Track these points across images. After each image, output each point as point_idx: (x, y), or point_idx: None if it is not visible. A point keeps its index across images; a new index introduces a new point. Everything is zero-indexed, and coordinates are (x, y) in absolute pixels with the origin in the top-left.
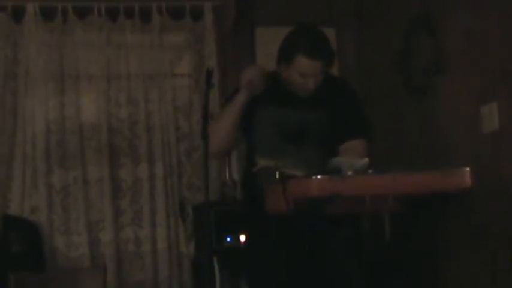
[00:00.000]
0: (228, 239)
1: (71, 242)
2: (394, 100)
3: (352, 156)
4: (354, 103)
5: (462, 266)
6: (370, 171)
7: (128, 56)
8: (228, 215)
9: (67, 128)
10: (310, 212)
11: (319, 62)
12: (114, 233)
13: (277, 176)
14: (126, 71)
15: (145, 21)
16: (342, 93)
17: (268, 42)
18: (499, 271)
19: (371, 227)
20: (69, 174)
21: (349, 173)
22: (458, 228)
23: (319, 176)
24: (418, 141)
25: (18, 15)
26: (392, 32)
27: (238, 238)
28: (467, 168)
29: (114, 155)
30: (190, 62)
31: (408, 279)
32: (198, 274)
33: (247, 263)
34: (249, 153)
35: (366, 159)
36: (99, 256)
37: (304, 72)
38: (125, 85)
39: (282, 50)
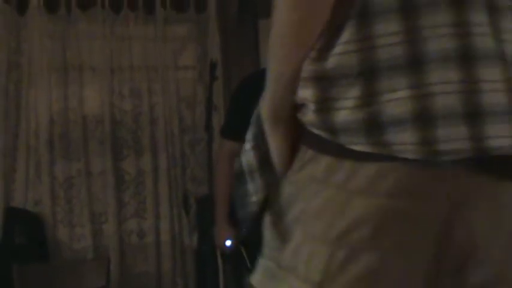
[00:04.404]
0: None
1: (74, 234)
2: None
3: None
4: None
5: None
6: None
7: (131, 48)
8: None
9: (70, 120)
10: None
11: None
12: (118, 225)
13: None
14: (129, 63)
15: (148, 13)
16: None
17: None
18: None
19: None
20: (72, 166)
21: None
22: None
23: None
24: None
25: (22, 6)
26: None
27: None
28: None
29: (118, 146)
30: (193, 54)
31: None
32: (201, 266)
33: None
34: None
35: None
36: (102, 248)
37: None
38: (129, 77)
39: None
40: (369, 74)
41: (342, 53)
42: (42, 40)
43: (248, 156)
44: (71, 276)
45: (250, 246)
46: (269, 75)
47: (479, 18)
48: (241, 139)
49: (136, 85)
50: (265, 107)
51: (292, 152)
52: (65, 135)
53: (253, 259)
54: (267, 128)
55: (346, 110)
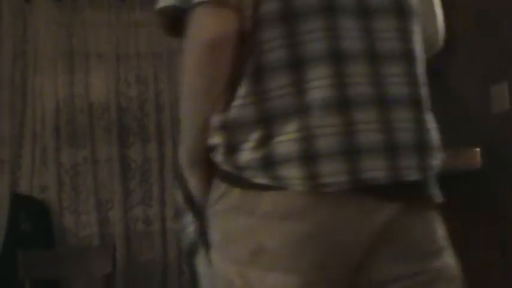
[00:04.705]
0: None
1: (80, 221)
2: None
3: None
4: None
5: (471, 245)
6: None
7: (137, 35)
8: None
9: (76, 107)
10: None
11: None
12: (123, 212)
13: None
14: (135, 50)
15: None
16: None
17: None
18: (509, 249)
19: None
20: (78, 153)
21: None
22: (468, 209)
23: None
24: None
25: None
26: None
27: None
28: (477, 149)
29: (124, 134)
30: None
31: None
32: None
33: None
34: None
35: None
36: (108, 235)
37: None
38: (135, 64)
39: None
40: (263, 121)
41: (241, 105)
42: (48, 27)
43: (178, 196)
44: (77, 263)
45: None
46: (183, 126)
47: (358, 69)
48: None
49: (143, 72)
50: (182, 154)
51: (209, 187)
52: (71, 122)
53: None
54: (186, 172)
55: (248, 151)
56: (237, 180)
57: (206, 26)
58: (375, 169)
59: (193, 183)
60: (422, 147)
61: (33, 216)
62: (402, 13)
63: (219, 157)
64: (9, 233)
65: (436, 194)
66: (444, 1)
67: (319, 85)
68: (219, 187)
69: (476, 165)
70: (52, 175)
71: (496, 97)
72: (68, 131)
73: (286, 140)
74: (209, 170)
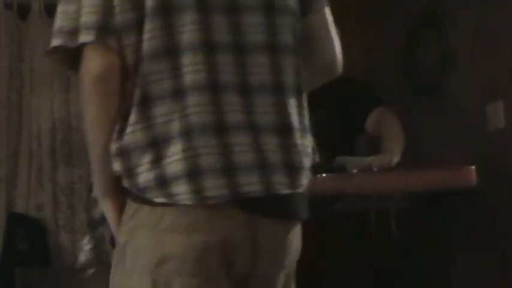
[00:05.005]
0: None
1: (76, 240)
2: (399, 98)
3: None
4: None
5: (470, 264)
6: (375, 169)
7: None
8: None
9: (72, 126)
10: (315, 210)
11: None
12: None
13: None
14: None
15: None
16: (347, 92)
17: None
18: (509, 268)
19: (377, 224)
20: (74, 172)
21: (355, 171)
22: (466, 226)
23: (324, 174)
24: (424, 139)
25: (23, 12)
26: (397, 29)
27: None
28: (473, 167)
29: None
30: None
31: (415, 276)
32: None
33: None
34: None
35: (372, 158)
36: (104, 253)
37: None
38: None
39: None
40: (152, 145)
41: (132, 132)
42: (44, 45)
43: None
44: (73, 282)
45: None
46: (90, 159)
47: (231, 99)
48: None
49: None
50: (94, 186)
51: (122, 209)
52: (67, 141)
53: None
54: (100, 199)
55: (144, 173)
56: (142, 200)
57: (92, 63)
58: (250, 183)
59: (108, 213)
60: (289, 167)
61: (30, 235)
62: (275, 51)
63: (124, 181)
64: (5, 252)
65: (303, 212)
66: (441, 19)
67: (199, 111)
68: (131, 207)
69: (471, 183)
70: (48, 194)
71: (491, 115)
72: (64, 150)
73: (174, 161)
74: (121, 193)
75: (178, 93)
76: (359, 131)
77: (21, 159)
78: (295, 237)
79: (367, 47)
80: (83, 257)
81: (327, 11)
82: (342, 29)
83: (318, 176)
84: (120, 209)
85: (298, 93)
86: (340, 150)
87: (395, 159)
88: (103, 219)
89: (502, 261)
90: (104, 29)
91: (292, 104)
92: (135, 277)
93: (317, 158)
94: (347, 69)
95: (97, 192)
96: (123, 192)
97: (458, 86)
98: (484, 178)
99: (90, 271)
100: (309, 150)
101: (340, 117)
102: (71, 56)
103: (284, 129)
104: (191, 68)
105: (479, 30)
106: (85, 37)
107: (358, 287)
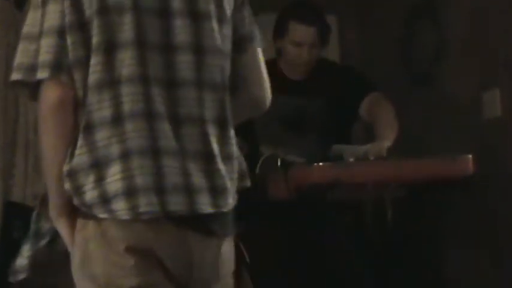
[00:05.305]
0: None
1: None
2: (396, 87)
3: (385, 120)
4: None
5: (465, 253)
6: (371, 157)
7: None
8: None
9: None
10: (311, 198)
11: (311, 27)
12: None
13: (278, 163)
14: None
15: None
16: (342, 80)
17: (270, 28)
18: (504, 255)
19: (373, 213)
20: None
21: (351, 159)
22: (463, 214)
23: (320, 163)
24: (420, 128)
25: (20, 3)
26: (394, 19)
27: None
28: (469, 155)
29: None
30: None
31: (410, 266)
32: None
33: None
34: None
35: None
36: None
37: (298, 40)
38: None
39: (276, 22)
40: (95, 166)
41: (78, 154)
42: None
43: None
44: (69, 270)
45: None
46: (46, 182)
47: (165, 127)
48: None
49: None
50: (50, 206)
51: (74, 227)
52: None
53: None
54: (54, 219)
55: (89, 192)
56: (90, 216)
57: (47, 96)
58: (177, 203)
59: (62, 231)
60: (213, 190)
61: (26, 224)
62: (202, 86)
63: (74, 200)
64: (2, 241)
65: (229, 228)
66: (436, 8)
67: (136, 136)
68: (80, 222)
69: (468, 171)
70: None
71: (487, 104)
72: None
73: (114, 180)
74: (74, 216)
75: (117, 120)
76: (355, 119)
77: (18, 148)
78: (227, 250)
79: (364, 37)
80: (20, 261)
81: (259, 51)
82: (340, 19)
83: (315, 164)
84: (73, 227)
85: (223, 125)
86: (337, 138)
87: (387, 143)
88: (49, 234)
89: (497, 249)
90: (58, 67)
91: (214, 134)
92: (81, 284)
93: (248, 183)
94: (344, 58)
95: (52, 212)
96: (74, 211)
97: (455, 74)
98: (481, 166)
99: (21, 276)
100: (234, 176)
101: (335, 105)
102: (31, 89)
103: (208, 156)
104: (130, 98)
105: (474, 20)
106: (41, 74)
107: (355, 275)
